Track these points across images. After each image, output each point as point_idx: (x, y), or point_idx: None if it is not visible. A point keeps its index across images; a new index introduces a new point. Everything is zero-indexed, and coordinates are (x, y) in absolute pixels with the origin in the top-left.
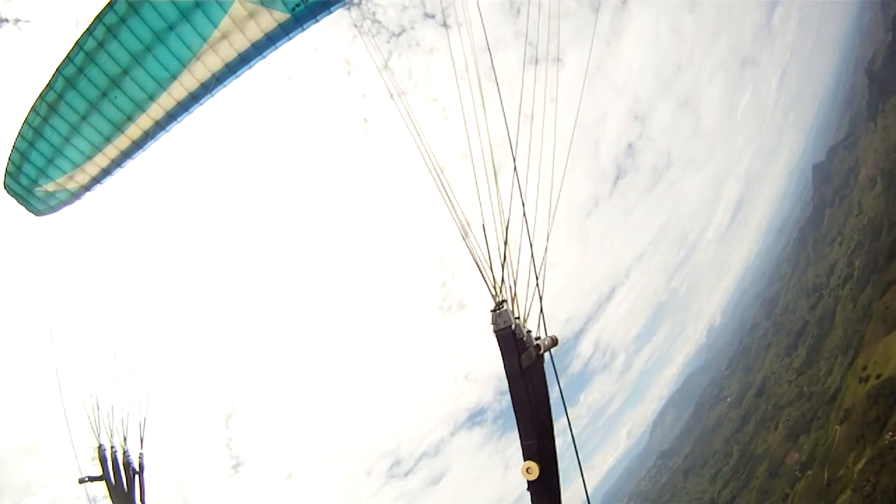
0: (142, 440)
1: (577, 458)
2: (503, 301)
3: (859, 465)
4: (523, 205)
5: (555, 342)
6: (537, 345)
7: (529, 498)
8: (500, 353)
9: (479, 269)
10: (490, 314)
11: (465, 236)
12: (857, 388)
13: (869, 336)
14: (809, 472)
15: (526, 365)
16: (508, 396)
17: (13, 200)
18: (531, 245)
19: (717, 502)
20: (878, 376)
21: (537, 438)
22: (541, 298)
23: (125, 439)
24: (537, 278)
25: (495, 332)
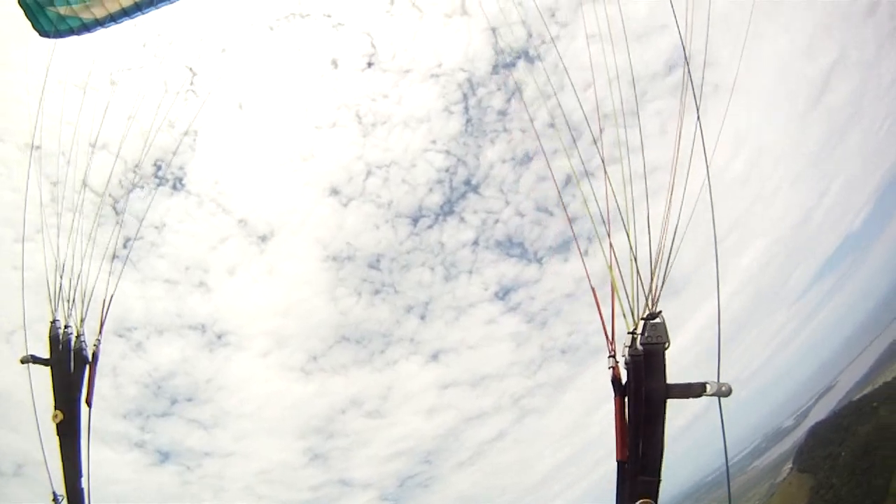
0: (102, 325)
1: None
2: (659, 312)
3: None
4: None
5: (729, 391)
6: (704, 384)
7: None
8: (644, 368)
9: (634, 270)
10: (642, 322)
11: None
12: None
13: None
14: None
15: (675, 395)
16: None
17: (22, 13)
18: (717, 276)
19: None
20: None
21: (659, 477)
22: (719, 322)
23: (82, 320)
24: (718, 305)
25: (644, 343)
